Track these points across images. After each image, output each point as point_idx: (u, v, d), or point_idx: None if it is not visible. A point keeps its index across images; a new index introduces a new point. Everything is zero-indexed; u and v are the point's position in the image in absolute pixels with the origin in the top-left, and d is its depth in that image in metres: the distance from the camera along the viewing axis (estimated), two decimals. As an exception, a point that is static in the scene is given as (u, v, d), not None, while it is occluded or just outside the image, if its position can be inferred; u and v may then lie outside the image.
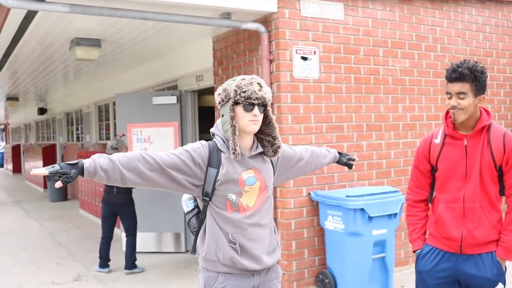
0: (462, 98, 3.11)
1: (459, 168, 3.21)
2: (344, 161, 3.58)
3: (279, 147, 2.90)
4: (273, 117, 2.93)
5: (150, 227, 8.24)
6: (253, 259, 2.82)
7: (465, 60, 3.22)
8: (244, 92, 2.72)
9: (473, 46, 7.50)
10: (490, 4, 7.67)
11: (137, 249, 8.27)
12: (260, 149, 2.87)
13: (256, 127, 2.78)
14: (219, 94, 2.81)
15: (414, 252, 3.46)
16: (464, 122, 3.15)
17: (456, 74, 3.11)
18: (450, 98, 3.16)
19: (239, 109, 2.74)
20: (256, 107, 2.74)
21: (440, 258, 3.32)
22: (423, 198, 3.45)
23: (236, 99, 2.73)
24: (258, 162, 2.88)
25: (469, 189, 3.19)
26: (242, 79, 2.78)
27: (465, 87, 3.10)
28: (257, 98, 2.73)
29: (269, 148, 2.89)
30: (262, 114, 2.80)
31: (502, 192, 3.25)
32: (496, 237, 3.20)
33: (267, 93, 2.78)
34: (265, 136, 2.90)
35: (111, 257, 7.38)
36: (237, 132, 2.73)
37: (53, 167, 2.41)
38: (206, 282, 2.84)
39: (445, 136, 3.28)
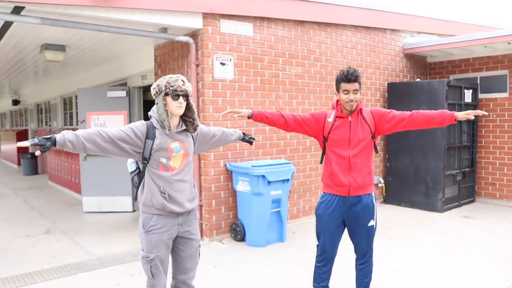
0: (356, 93, 3.46)
1: (345, 136, 3.55)
2: (247, 139, 3.75)
3: (197, 126, 3.13)
4: (193, 104, 3.13)
5: (105, 191, 8.28)
6: (178, 204, 3.01)
7: (350, 66, 3.55)
8: (172, 86, 2.93)
9: (349, 59, 7.90)
10: (361, 29, 8.12)
11: (94, 210, 8.35)
12: (184, 127, 3.09)
13: (181, 111, 2.99)
14: (154, 88, 3.01)
15: (248, 117, 3.68)
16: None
17: (353, 77, 3.43)
18: (347, 94, 3.45)
19: (169, 99, 2.95)
20: (180, 97, 2.96)
21: (336, 202, 3.58)
22: (284, 120, 3.68)
23: (166, 91, 2.94)
24: (183, 136, 3.08)
25: (352, 150, 3.53)
26: (170, 77, 2.98)
27: (357, 85, 3.45)
28: (181, 91, 2.95)
29: (190, 126, 3.11)
30: (185, 102, 3.02)
31: (376, 150, 3.65)
32: (369, 182, 3.58)
33: (188, 87, 3.01)
34: (187, 118, 3.11)
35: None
36: (169, 115, 2.96)
37: (33, 140, 2.53)
38: (144, 221, 3.02)
39: (335, 117, 3.60)
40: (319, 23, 7.40)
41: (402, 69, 9.01)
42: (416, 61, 9.35)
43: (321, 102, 7.42)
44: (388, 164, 8.63)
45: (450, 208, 8.09)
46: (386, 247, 5.80)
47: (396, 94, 8.40)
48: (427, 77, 9.59)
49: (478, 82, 8.85)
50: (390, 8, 8.49)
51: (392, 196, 8.58)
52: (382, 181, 8.63)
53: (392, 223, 7.12)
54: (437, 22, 9.41)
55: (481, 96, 8.80)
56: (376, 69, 8.47)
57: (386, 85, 8.61)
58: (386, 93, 8.60)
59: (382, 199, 8.75)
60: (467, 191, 8.66)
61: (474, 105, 8.57)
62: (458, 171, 8.36)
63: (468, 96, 8.40)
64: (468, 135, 8.62)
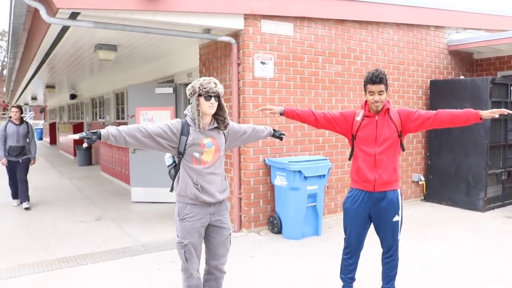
0: (381, 94, 3.62)
1: (371, 135, 3.71)
2: (277, 135, 3.94)
3: (228, 124, 3.38)
4: (225, 105, 3.37)
5: (152, 183, 8.68)
6: (210, 195, 3.26)
7: (377, 69, 3.69)
8: (205, 88, 3.19)
9: (390, 57, 7.94)
10: (404, 26, 8.12)
11: (142, 200, 8.80)
12: (215, 125, 3.34)
13: (212, 111, 3.25)
14: (189, 89, 3.28)
15: (280, 114, 3.91)
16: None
17: (378, 79, 3.59)
18: (372, 95, 3.63)
19: (202, 99, 3.21)
20: (212, 98, 3.21)
21: (362, 197, 3.74)
22: (315, 118, 3.88)
23: (199, 92, 3.20)
24: (214, 133, 3.33)
25: (378, 148, 3.69)
26: (203, 80, 3.24)
27: (382, 87, 3.61)
28: (213, 92, 3.20)
29: (222, 124, 3.36)
30: (217, 103, 3.27)
31: (403, 149, 3.79)
32: (395, 179, 3.73)
33: (220, 89, 3.25)
34: (219, 117, 3.35)
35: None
36: (201, 114, 3.23)
37: (81, 134, 2.88)
38: (179, 210, 3.31)
39: (363, 116, 3.79)
40: (359, 22, 7.48)
41: (446, 66, 8.92)
42: (462, 57, 9.21)
43: (361, 99, 7.44)
44: (429, 162, 8.61)
45: (492, 208, 7.99)
46: (422, 244, 5.89)
47: (439, 92, 8.34)
48: (473, 74, 9.43)
49: (527, 79, 8.65)
50: (434, 4, 8.41)
51: (432, 194, 8.56)
52: (422, 178, 8.62)
53: (431, 221, 7.15)
54: (484, 17, 9.22)
55: (529, 93, 8.60)
56: (418, 67, 8.44)
57: (428, 82, 8.56)
58: (429, 91, 8.55)
59: (422, 197, 8.75)
60: (512, 191, 8.52)
61: (521, 103, 8.39)
62: (503, 170, 8.23)
63: (515, 93, 8.24)
64: (514, 133, 8.46)
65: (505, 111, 3.47)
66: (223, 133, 3.44)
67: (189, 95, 3.31)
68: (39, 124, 38.98)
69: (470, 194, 7.96)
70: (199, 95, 3.22)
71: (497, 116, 3.48)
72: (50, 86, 15.48)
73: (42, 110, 37.10)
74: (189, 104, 3.38)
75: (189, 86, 3.30)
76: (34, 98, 23.88)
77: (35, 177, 12.92)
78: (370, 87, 3.64)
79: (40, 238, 6.43)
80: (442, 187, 8.40)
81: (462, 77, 8.67)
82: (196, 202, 3.27)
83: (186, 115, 3.36)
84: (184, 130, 3.25)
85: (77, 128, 17.38)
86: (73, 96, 18.09)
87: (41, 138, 33.77)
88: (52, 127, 27.57)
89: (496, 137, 8.08)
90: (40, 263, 5.26)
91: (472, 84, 7.85)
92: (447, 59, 8.93)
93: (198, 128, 3.22)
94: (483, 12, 9.19)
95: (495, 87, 7.81)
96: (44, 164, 16.65)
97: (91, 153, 15.73)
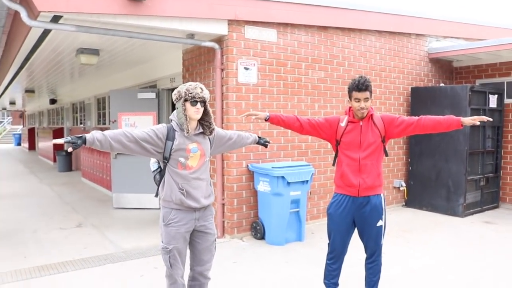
0: (367, 101, 3.66)
1: (356, 140, 3.74)
2: (262, 142, 3.96)
3: (213, 129, 3.38)
4: (210, 110, 3.36)
5: (134, 189, 8.60)
6: (195, 200, 3.25)
7: (361, 76, 3.73)
8: (191, 93, 3.18)
9: (372, 64, 8.04)
10: (385, 34, 8.23)
11: (124, 206, 8.71)
12: (201, 130, 3.33)
13: (198, 116, 3.25)
14: (175, 94, 3.26)
15: (266, 120, 3.93)
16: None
17: (364, 86, 3.63)
18: (358, 102, 3.66)
19: (188, 104, 3.20)
20: (198, 103, 3.20)
21: (346, 202, 3.76)
22: (299, 124, 3.89)
23: (185, 97, 3.19)
24: (200, 138, 3.33)
25: (362, 153, 3.72)
26: (189, 85, 3.23)
27: (367, 94, 3.65)
28: (199, 98, 3.20)
29: (207, 129, 3.35)
30: (203, 108, 3.26)
31: (386, 154, 3.83)
32: (378, 184, 3.76)
33: (206, 94, 3.25)
34: (204, 122, 3.35)
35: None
36: (188, 119, 3.24)
37: (66, 138, 2.86)
38: (164, 215, 3.28)
39: (348, 122, 3.81)
40: (342, 29, 7.55)
41: (427, 73, 9.06)
42: (442, 65, 9.37)
43: (343, 106, 7.55)
44: (410, 168, 8.71)
45: (471, 213, 8.11)
46: (403, 249, 5.95)
47: (420, 99, 8.47)
48: (452, 82, 9.60)
49: (505, 87, 8.83)
50: (415, 12, 8.55)
51: (413, 200, 8.66)
52: (404, 184, 8.72)
53: (412, 226, 7.22)
54: (464, 26, 9.41)
55: (507, 101, 8.78)
56: (400, 74, 8.55)
57: (409, 89, 8.68)
58: (410, 98, 8.67)
59: (403, 203, 8.84)
60: (490, 196, 8.66)
61: (499, 110, 8.57)
62: (481, 176, 8.37)
63: (493, 101, 8.40)
64: (492, 140, 8.62)
65: (485, 118, 3.55)
66: (209, 138, 3.44)
67: (175, 100, 3.29)
68: (17, 129, 38.37)
69: (450, 200, 8.07)
70: (185, 100, 3.21)
71: (478, 123, 3.56)
72: (29, 91, 15.26)
73: (22, 114, 36.51)
74: (172, 109, 3.36)
75: (175, 91, 3.29)
76: (12, 103, 23.54)
77: (13, 183, 12.70)
78: (356, 94, 3.67)
79: (19, 245, 6.30)
80: (422, 192, 8.50)
81: (442, 84, 8.81)
82: (181, 207, 3.25)
83: (171, 120, 3.35)
84: (170, 135, 3.24)
85: (57, 133, 17.11)
86: (53, 101, 17.85)
87: (19, 144, 33.24)
88: (31, 132, 27.13)
89: (475, 143, 8.23)
90: (19, 271, 5.15)
91: (452, 91, 7.98)
92: (427, 67, 9.07)
93: (187, 133, 3.21)
94: (463, 21, 9.38)
95: (474, 94, 7.95)
96: (22, 169, 16.37)
97: (71, 159, 15.51)
